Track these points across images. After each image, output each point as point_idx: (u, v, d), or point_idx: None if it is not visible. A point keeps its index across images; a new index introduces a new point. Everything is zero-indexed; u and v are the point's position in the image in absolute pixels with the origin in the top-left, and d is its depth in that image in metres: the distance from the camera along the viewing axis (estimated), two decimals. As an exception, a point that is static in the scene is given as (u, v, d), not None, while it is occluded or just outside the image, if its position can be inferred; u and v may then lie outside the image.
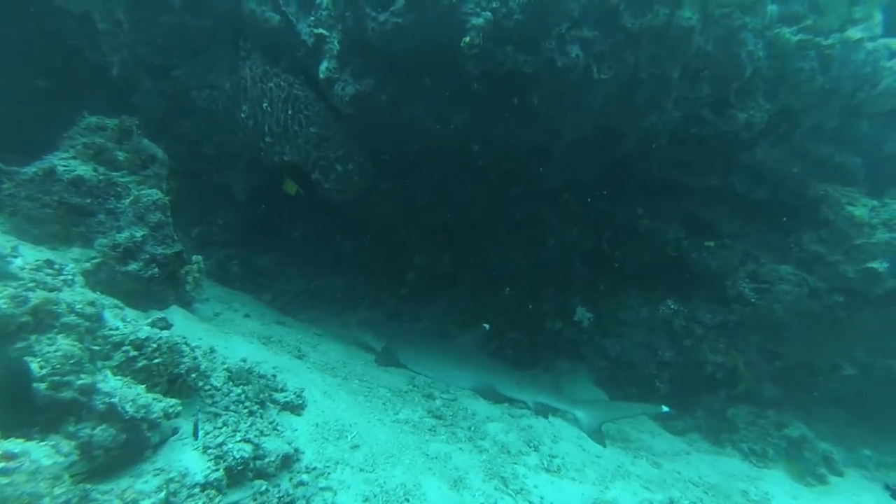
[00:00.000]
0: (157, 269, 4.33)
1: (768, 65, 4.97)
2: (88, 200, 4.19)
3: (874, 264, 5.20)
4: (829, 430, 6.61)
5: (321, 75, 4.74)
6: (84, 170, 4.18)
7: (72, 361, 2.48)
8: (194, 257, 4.88)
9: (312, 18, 4.80)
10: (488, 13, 3.88)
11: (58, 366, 2.42)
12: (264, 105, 5.52)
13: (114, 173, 4.44)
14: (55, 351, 2.45)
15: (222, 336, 4.73)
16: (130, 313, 3.87)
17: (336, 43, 4.56)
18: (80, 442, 2.39)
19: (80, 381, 2.48)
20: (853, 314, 5.45)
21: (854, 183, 5.65)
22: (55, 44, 6.00)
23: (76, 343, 2.59)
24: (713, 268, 6.19)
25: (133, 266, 4.16)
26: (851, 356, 5.82)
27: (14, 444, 1.96)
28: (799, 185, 5.75)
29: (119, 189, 4.39)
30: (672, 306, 6.56)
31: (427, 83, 4.52)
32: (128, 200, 4.36)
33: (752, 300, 5.89)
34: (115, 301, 3.79)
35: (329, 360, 5.49)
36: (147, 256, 4.29)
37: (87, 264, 3.90)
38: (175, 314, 4.59)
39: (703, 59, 4.61)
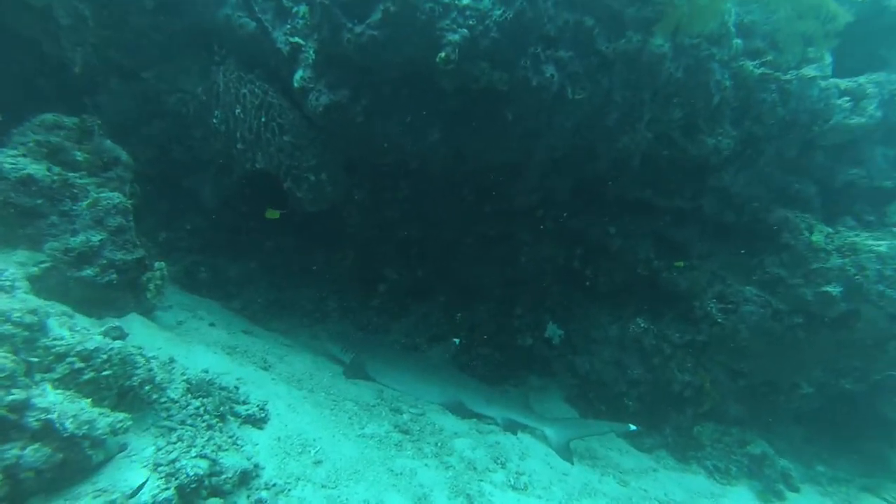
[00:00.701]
0: (115, 275, 4.16)
1: (734, 94, 5.15)
2: (39, 201, 3.99)
3: (829, 288, 5.39)
4: (788, 447, 6.76)
5: (296, 84, 4.69)
6: (35, 168, 3.99)
7: (3, 374, 2.32)
8: (157, 264, 4.71)
9: (289, 27, 4.76)
10: (465, 30, 3.91)
11: (-17, 380, 2.27)
12: (237, 111, 5.41)
13: (71, 174, 4.25)
14: (-14, 363, 2.30)
15: (184, 346, 4.56)
16: (82, 321, 3.69)
17: (312, 52, 4.52)
18: (4, 465, 2.22)
19: (9, 397, 2.32)
20: (811, 335, 5.61)
21: (811, 209, 5.87)
22: (8, 35, 5.77)
23: (9, 354, 2.43)
24: (682, 288, 6.32)
25: (88, 271, 3.98)
26: (809, 375, 5.99)
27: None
28: (762, 210, 5.93)
29: (76, 191, 4.20)
30: (642, 324, 6.64)
31: (402, 97, 4.51)
32: (85, 203, 4.19)
33: (719, 320, 6.02)
34: (64, 308, 3.60)
35: (296, 371, 5.36)
36: (105, 262, 4.11)
37: (34, 269, 3.71)
38: (134, 322, 4.41)
39: (674, 84, 4.75)
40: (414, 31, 3.96)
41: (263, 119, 5.39)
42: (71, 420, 2.46)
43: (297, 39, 4.61)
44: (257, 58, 5.52)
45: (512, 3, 3.95)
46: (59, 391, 2.60)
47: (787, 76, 5.09)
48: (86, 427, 2.52)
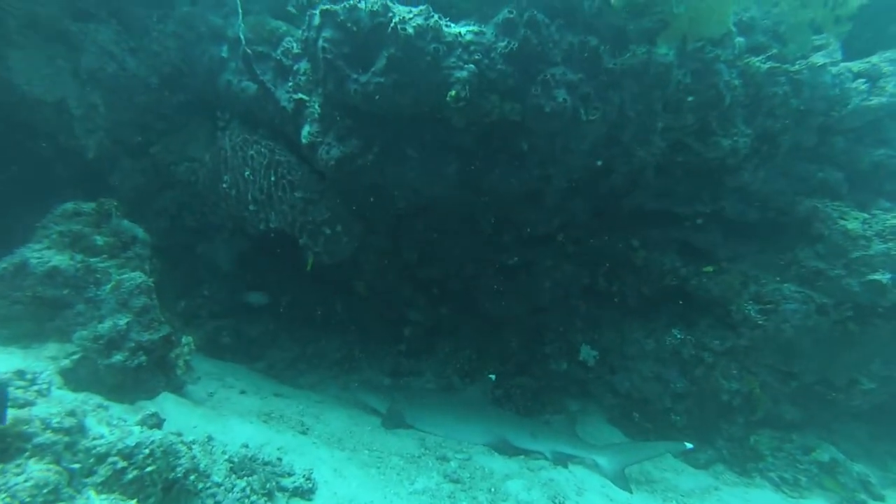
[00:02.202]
0: (144, 357, 4.07)
1: (744, 92, 5.07)
2: (65, 292, 3.96)
3: (877, 276, 5.17)
4: (855, 447, 6.40)
5: (304, 140, 4.67)
6: (60, 259, 3.97)
7: (45, 491, 2.18)
8: (184, 339, 4.62)
9: (290, 84, 4.78)
10: (471, 65, 3.88)
11: (27, 499, 2.12)
12: (246, 173, 5.41)
13: (92, 259, 4.23)
14: (24, 481, 2.15)
15: (219, 420, 4.42)
16: (116, 410, 3.59)
17: (317, 106, 4.51)
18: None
19: (58, 512, 2.19)
20: (864, 327, 5.36)
21: (840, 197, 5.70)
22: (25, 133, 5.88)
23: (51, 466, 2.30)
24: (715, 293, 6.11)
25: (117, 357, 3.89)
26: (868, 370, 5.70)
27: None
28: (787, 203, 5.77)
29: (98, 276, 4.17)
30: (678, 335, 6.41)
31: (413, 140, 4.47)
32: (109, 287, 4.14)
33: (760, 322, 5.78)
34: (99, 399, 3.52)
35: (334, 430, 5.18)
36: (133, 345, 4.03)
37: (66, 361, 3.63)
38: (166, 402, 4.29)
39: (684, 91, 4.68)
40: (420, 74, 3.94)
41: (273, 178, 5.38)
42: (120, 529, 2.30)
43: (300, 95, 4.62)
44: (260, 118, 5.55)
45: (515, 33, 3.93)
46: (103, 496, 2.46)
47: (796, 67, 5.00)
48: (135, 534, 2.37)
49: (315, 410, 5.67)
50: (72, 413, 2.51)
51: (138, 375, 4.07)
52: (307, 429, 5.00)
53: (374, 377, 7.51)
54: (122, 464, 2.59)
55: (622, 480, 5.16)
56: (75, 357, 3.61)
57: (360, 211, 5.83)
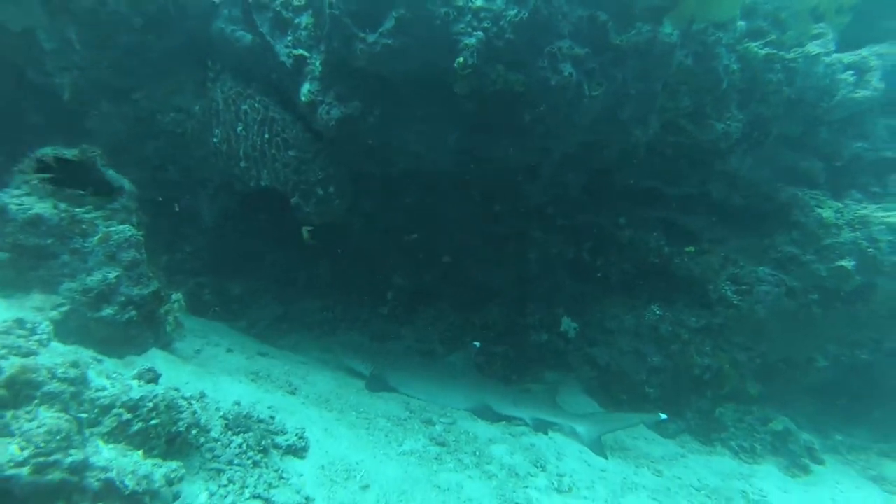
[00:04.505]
0: (134, 312, 3.99)
1: (740, 77, 5.16)
2: (49, 241, 3.80)
3: (843, 262, 5.47)
4: (805, 420, 6.89)
5: (303, 98, 4.53)
6: (42, 207, 3.79)
7: (59, 437, 2.17)
8: (173, 295, 4.53)
9: (290, 39, 4.59)
10: (480, 33, 3.81)
11: (42, 445, 2.11)
12: (239, 128, 5.23)
13: (77, 209, 4.05)
14: (38, 427, 2.14)
15: (210, 378, 4.41)
16: (109, 364, 3.53)
17: (318, 64, 4.37)
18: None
19: (69, 459, 2.18)
20: (827, 310, 5.70)
21: (817, 186, 5.95)
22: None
23: (61, 414, 2.28)
24: (696, 273, 6.35)
25: (107, 311, 3.80)
26: (825, 349, 6.09)
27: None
28: (771, 190, 5.99)
29: (85, 226, 4.01)
30: (657, 312, 6.66)
31: (415, 105, 4.39)
32: (96, 238, 3.99)
33: (735, 302, 6.07)
34: (92, 353, 3.45)
35: (321, 391, 5.23)
36: (122, 299, 3.94)
37: (54, 313, 3.52)
38: (156, 358, 4.24)
39: (684, 72, 4.72)
40: (429, 37, 3.85)
41: (267, 135, 5.23)
42: (130, 476, 2.33)
43: (301, 51, 4.45)
44: (254, 71, 5.34)
45: (526, 3, 3.86)
46: (110, 446, 2.47)
47: (792, 54, 5.10)
48: (144, 482, 2.39)
49: (301, 371, 5.69)
50: (75, 364, 2.47)
51: (128, 330, 4.00)
52: (295, 389, 5.03)
53: (355, 340, 7.55)
54: (127, 416, 2.58)
55: (599, 447, 5.42)
56: (63, 309, 3.51)
57: (352, 173, 5.74)
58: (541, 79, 4.06)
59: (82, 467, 2.16)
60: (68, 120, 5.93)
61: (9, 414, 2.06)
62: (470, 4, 3.81)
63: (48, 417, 2.10)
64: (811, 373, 6.48)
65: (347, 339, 7.54)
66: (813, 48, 5.20)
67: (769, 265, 6.01)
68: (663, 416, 5.54)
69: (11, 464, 1.90)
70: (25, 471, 2.04)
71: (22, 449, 2.08)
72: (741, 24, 5.04)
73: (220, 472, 3.12)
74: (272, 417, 4.01)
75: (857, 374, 6.60)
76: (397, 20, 3.76)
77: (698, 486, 5.29)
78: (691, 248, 6.44)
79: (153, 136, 6.08)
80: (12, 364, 2.14)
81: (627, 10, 4.43)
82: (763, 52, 5.17)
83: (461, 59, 3.80)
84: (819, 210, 5.65)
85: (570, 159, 5.38)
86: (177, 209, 6.12)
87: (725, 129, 5.29)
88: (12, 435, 2.01)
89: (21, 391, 2.14)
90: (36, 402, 2.17)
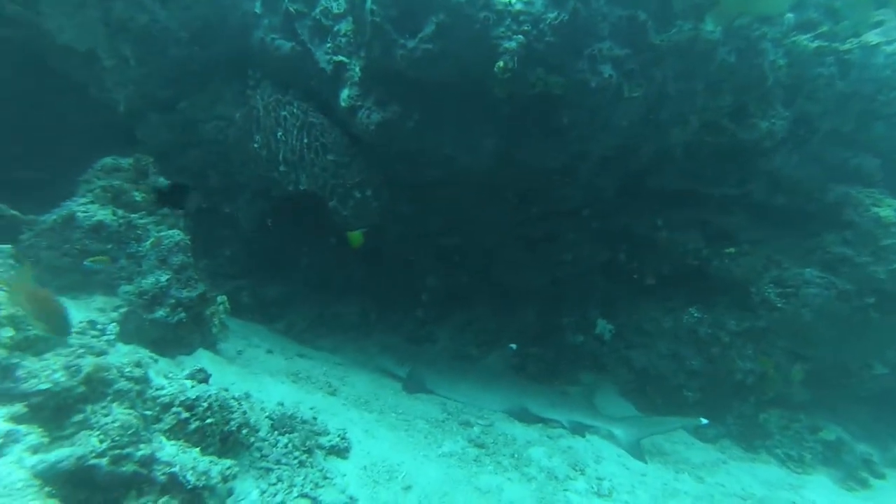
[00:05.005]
0: (183, 314, 4.15)
1: (787, 73, 4.99)
2: (109, 246, 4.00)
3: (905, 264, 5.22)
4: (858, 429, 6.59)
5: (343, 103, 4.62)
6: (104, 214, 4.00)
7: (130, 432, 2.30)
8: (219, 297, 4.69)
9: (329, 45, 4.69)
10: (520, 36, 3.81)
11: (117, 438, 2.24)
12: (279, 134, 5.37)
13: (133, 215, 4.26)
14: (112, 422, 2.27)
15: (253, 378, 4.54)
16: (163, 364, 3.68)
17: (357, 70, 4.44)
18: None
19: (139, 453, 2.30)
20: (886, 315, 5.45)
21: (873, 184, 5.69)
22: (59, 83, 5.79)
23: (130, 410, 2.41)
24: (736, 275, 6.18)
25: (160, 312, 3.97)
26: (883, 355, 5.82)
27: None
28: (817, 189, 5.77)
29: (139, 232, 4.22)
30: (695, 314, 6.51)
31: (453, 109, 4.42)
32: (149, 243, 4.18)
33: (779, 305, 5.87)
34: (147, 353, 3.60)
35: (360, 392, 5.32)
36: (173, 301, 4.10)
37: (115, 314, 3.70)
38: (203, 358, 4.39)
39: (726, 70, 4.60)
40: (468, 42, 3.87)
41: (306, 140, 5.35)
42: (191, 472, 2.43)
43: (340, 58, 4.54)
44: (292, 78, 5.47)
45: (565, 5, 3.84)
46: (171, 442, 2.57)
47: (846, 46, 4.88)
48: (204, 478, 2.49)
49: (338, 372, 5.80)
50: (138, 364, 2.59)
51: (178, 331, 4.16)
52: (335, 390, 5.12)
53: (391, 342, 7.63)
54: (185, 414, 2.69)
55: (638, 451, 5.33)
56: (123, 310, 3.68)
57: (388, 176, 5.82)
58: (580, 81, 4.03)
59: (150, 461, 2.27)
60: (119, 132, 6.22)
61: (88, 408, 2.18)
62: (509, 8, 3.82)
63: (120, 413, 2.22)
64: (867, 380, 6.20)
65: (383, 340, 7.63)
66: (872, 38, 4.94)
67: (816, 267, 5.79)
68: (704, 420, 5.41)
69: (94, 454, 2.03)
70: (105, 461, 2.17)
71: (101, 441, 2.21)
72: (789, 16, 4.85)
73: (269, 470, 3.21)
74: (314, 418, 4.10)
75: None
76: (437, 25, 3.80)
77: (743, 495, 5.14)
78: (732, 250, 6.27)
79: (195, 143, 6.30)
80: (89, 363, 2.27)
81: (667, 9, 4.35)
82: (813, 45, 4.96)
83: (501, 64, 3.81)
84: (876, 209, 5.41)
85: (606, 161, 5.31)
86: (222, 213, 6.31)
87: (770, 127, 5.12)
88: (91, 428, 2.13)
89: (96, 388, 2.27)
90: (109, 398, 2.30)
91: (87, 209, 3.85)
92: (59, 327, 2.19)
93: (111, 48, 5.17)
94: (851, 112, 5.37)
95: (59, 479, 1.89)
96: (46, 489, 1.80)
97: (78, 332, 2.69)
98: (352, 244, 5.13)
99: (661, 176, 6.20)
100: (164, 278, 4.05)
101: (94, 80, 5.64)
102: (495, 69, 3.81)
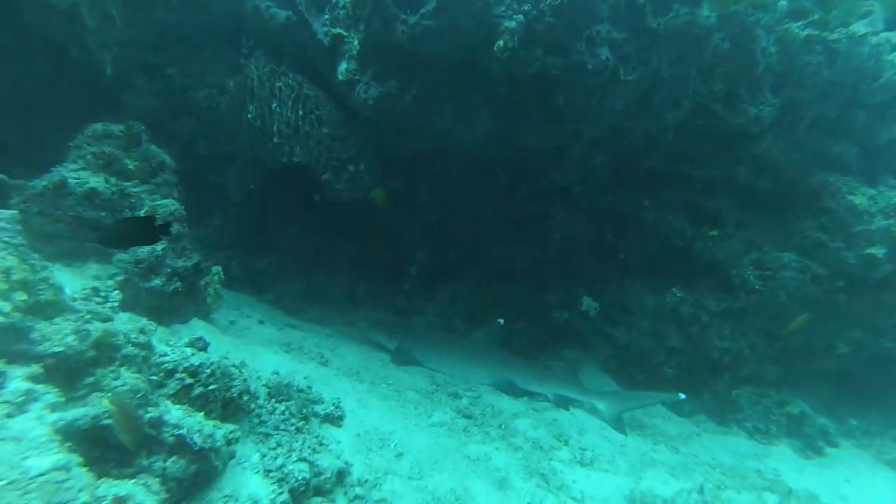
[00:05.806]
0: (179, 283, 4.16)
1: (778, 60, 5.09)
2: (103, 214, 3.96)
3: (873, 250, 5.47)
4: (820, 404, 6.98)
5: (340, 77, 4.58)
6: (97, 181, 3.94)
7: (138, 396, 2.37)
8: (213, 268, 4.70)
9: (327, 17, 4.62)
10: (520, 16, 3.82)
11: (127, 401, 2.31)
12: (273, 105, 5.31)
13: (125, 183, 4.21)
14: (122, 385, 2.33)
15: (247, 348, 4.60)
16: (161, 332, 3.71)
17: (356, 43, 4.40)
18: (157, 475, 2.30)
19: (149, 415, 2.38)
20: (853, 298, 5.72)
21: (850, 172, 5.89)
22: (39, 41, 5.57)
23: (138, 375, 2.47)
24: (719, 257, 6.38)
25: (156, 281, 3.98)
26: (847, 336, 6.13)
27: (121, 487, 1.87)
28: (800, 175, 5.95)
29: (133, 200, 4.17)
30: (678, 294, 6.73)
31: (450, 85, 4.43)
32: (143, 212, 4.15)
33: (757, 287, 6.11)
34: (145, 321, 3.63)
35: (351, 363, 5.43)
36: (168, 270, 4.10)
37: (111, 282, 3.70)
38: (198, 328, 4.43)
39: (720, 56, 4.68)
40: (469, 19, 3.87)
41: (301, 112, 5.30)
42: (197, 434, 2.51)
43: (339, 30, 4.48)
44: (286, 49, 5.38)
45: (566, -17, 3.86)
46: (176, 406, 2.65)
47: (835, 35, 4.98)
48: (209, 440, 2.58)
49: (329, 343, 5.89)
50: (143, 331, 2.64)
51: (173, 301, 4.18)
52: (326, 360, 5.21)
53: (378, 315, 7.72)
54: (189, 380, 2.75)
55: (619, 424, 5.57)
56: (119, 279, 3.69)
57: (381, 151, 5.82)
58: (577, 63, 4.07)
59: (159, 423, 2.35)
60: (107, 96, 6.06)
61: (98, 372, 2.24)
62: (511, -15, 3.82)
63: (129, 377, 2.28)
64: (830, 359, 6.54)
65: (370, 313, 7.72)
66: (859, 28, 5.05)
67: (794, 251, 6.02)
68: (682, 396, 5.66)
69: (107, 415, 2.08)
70: (118, 422, 2.23)
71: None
72: (782, 3, 4.93)
73: (268, 436, 3.30)
74: (309, 387, 4.19)
75: (877, 362, 6.65)
76: (438, 2, 3.78)
77: (713, 464, 5.44)
78: (715, 232, 6.46)
79: (186, 111, 6.18)
80: (97, 328, 2.31)
81: (666, -9, 4.39)
82: (804, 33, 5.06)
83: (501, 43, 3.82)
84: (851, 197, 5.62)
85: (598, 142, 5.39)
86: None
87: (758, 113, 5.24)
88: (102, 391, 2.19)
89: (105, 353, 2.32)
90: (117, 363, 2.35)
91: (79, 176, 3.79)
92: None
93: (94, 6, 4.98)
94: (836, 100, 5.53)
95: (76, 436, 1.96)
96: (67, 444, 1.87)
97: (83, 299, 2.71)
98: (377, 201, 5.19)
99: (653, 157, 6.31)
100: (159, 247, 4.04)
101: (75, 40, 5.43)
102: (495, 48, 3.83)
